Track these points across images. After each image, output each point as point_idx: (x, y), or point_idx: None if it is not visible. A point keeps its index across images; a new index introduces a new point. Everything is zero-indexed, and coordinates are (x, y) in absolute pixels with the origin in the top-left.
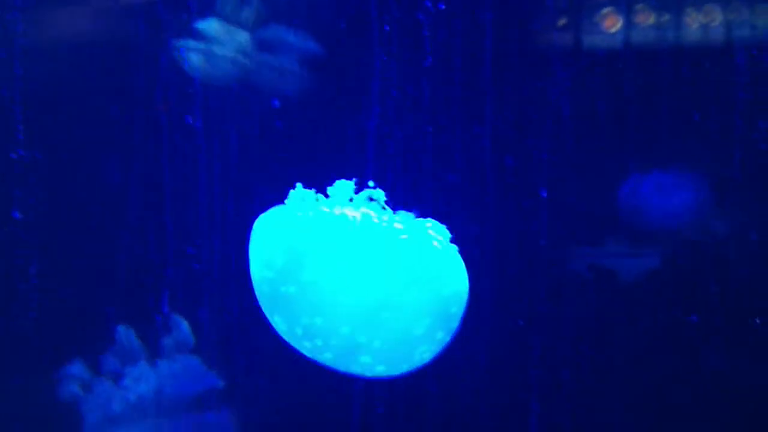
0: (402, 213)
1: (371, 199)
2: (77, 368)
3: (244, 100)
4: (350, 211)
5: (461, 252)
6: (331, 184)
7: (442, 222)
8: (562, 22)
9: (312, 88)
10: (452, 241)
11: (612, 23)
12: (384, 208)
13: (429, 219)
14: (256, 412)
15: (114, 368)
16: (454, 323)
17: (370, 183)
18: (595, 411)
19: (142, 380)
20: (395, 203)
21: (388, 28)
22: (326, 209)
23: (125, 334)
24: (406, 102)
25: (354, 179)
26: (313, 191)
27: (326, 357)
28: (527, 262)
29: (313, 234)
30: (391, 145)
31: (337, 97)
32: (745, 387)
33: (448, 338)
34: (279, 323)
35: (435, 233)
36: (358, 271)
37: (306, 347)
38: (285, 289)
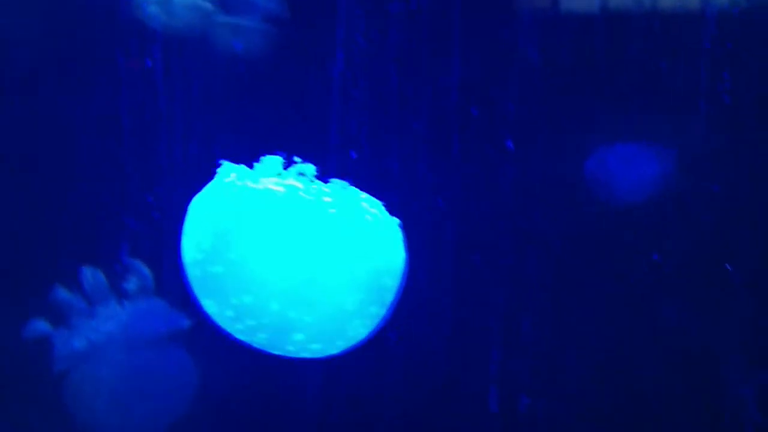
0: (334, 185)
1: (301, 174)
2: (45, 309)
3: (206, 50)
4: (276, 186)
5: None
6: (296, 136)
7: (408, 167)
8: None
9: (276, 38)
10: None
11: None
12: (313, 181)
13: (362, 191)
14: (218, 357)
15: (81, 308)
16: (389, 297)
17: (297, 159)
18: (557, 375)
19: (109, 320)
20: (358, 152)
21: None
22: (252, 184)
23: (92, 274)
24: (371, 49)
25: (285, 152)
26: (242, 166)
27: (260, 338)
28: (491, 218)
29: (238, 211)
30: (355, 94)
31: (302, 42)
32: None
33: (383, 312)
34: (210, 307)
35: (367, 205)
36: (284, 246)
37: (239, 330)
38: (213, 269)
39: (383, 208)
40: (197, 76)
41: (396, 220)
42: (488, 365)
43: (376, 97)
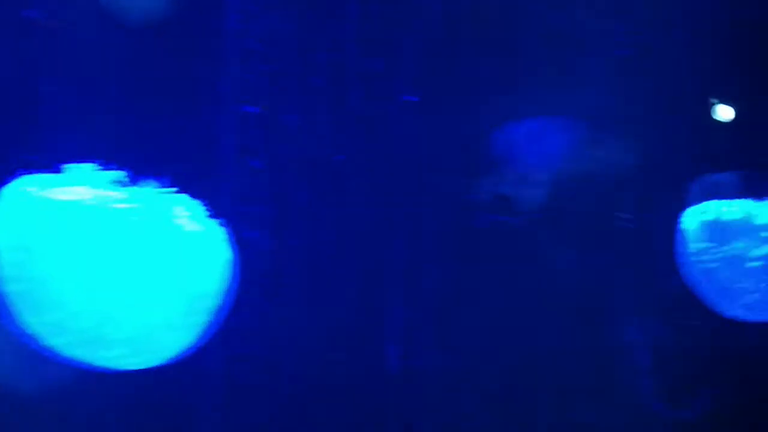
0: (147, 189)
1: (113, 180)
2: None
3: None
4: (81, 194)
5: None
6: (188, 90)
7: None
8: None
9: None
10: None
11: None
12: (124, 186)
13: (178, 193)
14: None
15: None
16: (211, 302)
17: (111, 164)
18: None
19: None
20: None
21: None
22: (55, 195)
23: None
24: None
25: (99, 159)
26: (49, 174)
27: (78, 353)
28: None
29: (41, 223)
30: (251, 42)
31: None
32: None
33: (208, 319)
34: (26, 322)
35: (184, 209)
36: (91, 259)
37: (56, 344)
38: (16, 286)
39: (204, 209)
40: (82, 27)
41: (216, 222)
42: (386, 325)
43: (273, 49)
